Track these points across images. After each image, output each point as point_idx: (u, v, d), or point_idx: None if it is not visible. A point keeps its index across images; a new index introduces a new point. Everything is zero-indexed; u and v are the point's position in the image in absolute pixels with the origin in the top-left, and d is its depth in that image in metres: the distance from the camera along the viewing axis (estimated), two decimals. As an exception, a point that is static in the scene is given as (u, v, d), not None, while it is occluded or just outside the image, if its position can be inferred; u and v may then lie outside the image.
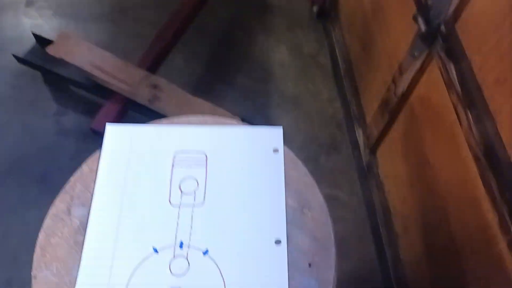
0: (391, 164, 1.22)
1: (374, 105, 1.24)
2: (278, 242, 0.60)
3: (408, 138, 1.11)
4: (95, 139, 1.33)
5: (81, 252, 0.59)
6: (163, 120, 0.70)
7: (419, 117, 1.02)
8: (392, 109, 1.12)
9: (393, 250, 1.16)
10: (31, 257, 0.58)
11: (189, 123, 0.70)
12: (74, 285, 0.57)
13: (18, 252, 1.13)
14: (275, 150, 0.67)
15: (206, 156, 0.67)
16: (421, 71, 0.95)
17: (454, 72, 0.78)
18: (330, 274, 0.57)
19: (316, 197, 0.62)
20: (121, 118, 1.24)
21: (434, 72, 0.88)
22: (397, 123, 1.16)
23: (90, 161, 0.66)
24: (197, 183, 0.64)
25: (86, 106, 1.40)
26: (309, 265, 0.58)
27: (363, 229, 1.21)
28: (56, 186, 0.63)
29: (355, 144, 1.39)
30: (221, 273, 0.58)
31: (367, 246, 1.19)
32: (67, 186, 0.64)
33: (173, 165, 0.66)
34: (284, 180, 0.64)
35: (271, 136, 0.68)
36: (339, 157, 1.36)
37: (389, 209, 1.21)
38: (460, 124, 0.79)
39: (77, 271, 0.58)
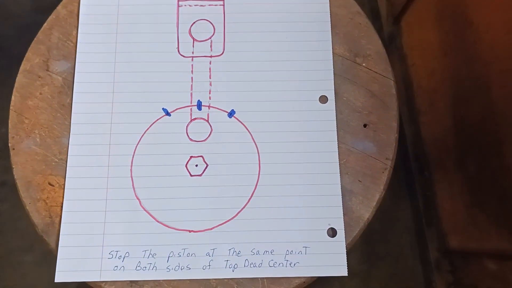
0: (419, 33, 1.07)
1: (404, -39, 1.04)
2: (323, 98, 0.47)
3: (445, -2, 0.94)
4: None
5: (70, 117, 0.46)
6: None
7: (466, -34, 0.84)
8: (431, -40, 0.93)
9: (414, 128, 1.07)
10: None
11: None
12: (66, 156, 0.45)
13: (6, 140, 1.02)
14: (317, -19, 0.50)
15: (224, -9, 0.50)
16: None
17: None
18: (390, 136, 0.45)
19: (372, 42, 0.48)
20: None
21: None
22: (432, -18, 0.98)
23: (68, 2, 0.50)
24: (213, 27, 0.49)
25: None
26: (364, 125, 0.46)
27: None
28: None
29: (376, 14, 1.22)
30: (253, 138, 0.46)
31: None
32: (41, 35, 0.49)
33: (178, 5, 0.50)
34: (330, 21, 0.49)
35: (309, -37, 0.50)
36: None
37: (412, 84, 1.09)
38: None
39: (68, 139, 0.45)
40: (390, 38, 1.16)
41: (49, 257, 0.44)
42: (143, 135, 0.45)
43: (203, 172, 0.45)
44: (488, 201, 0.77)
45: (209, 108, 0.46)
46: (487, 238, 0.76)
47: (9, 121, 0.46)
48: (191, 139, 0.46)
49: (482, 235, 0.78)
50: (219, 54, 0.48)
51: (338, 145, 0.45)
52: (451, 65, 0.92)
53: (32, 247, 0.96)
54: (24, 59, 0.48)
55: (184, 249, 0.42)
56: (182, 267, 0.42)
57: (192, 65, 0.47)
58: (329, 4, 0.49)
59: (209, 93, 0.47)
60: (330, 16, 0.49)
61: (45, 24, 0.49)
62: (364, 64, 0.47)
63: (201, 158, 0.45)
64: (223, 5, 0.49)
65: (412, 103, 1.08)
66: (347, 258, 0.42)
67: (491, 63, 0.77)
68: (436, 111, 0.99)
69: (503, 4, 0.71)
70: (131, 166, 0.45)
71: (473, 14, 0.82)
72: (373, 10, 1.22)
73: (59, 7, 0.49)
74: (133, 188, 0.44)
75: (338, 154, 0.45)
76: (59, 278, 0.42)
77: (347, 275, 0.42)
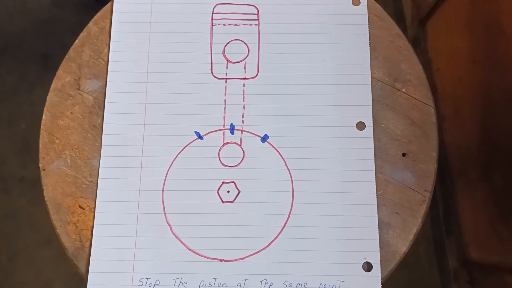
0: (446, 37, 1.04)
1: (432, -36, 1.01)
2: (360, 125, 0.45)
3: (477, 4, 0.91)
4: (98, 9, 1.14)
5: (101, 138, 0.45)
6: (195, -41, 0.50)
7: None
8: (462, -36, 0.90)
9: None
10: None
11: (231, -36, 0.50)
12: (97, 179, 0.44)
13: (28, 136, 1.03)
14: (356, 1, 0.48)
15: (258, 10, 0.48)
16: None
17: None
18: (430, 167, 0.44)
19: (413, 67, 0.46)
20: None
21: None
22: (462, -14, 0.95)
23: (99, 18, 0.49)
24: (248, 47, 0.47)
25: (82, -31, 1.18)
26: (403, 155, 0.44)
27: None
28: (58, 63, 0.48)
29: (400, 15, 1.19)
30: (286, 165, 0.44)
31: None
32: (72, 52, 0.48)
33: (212, 24, 0.48)
34: (369, 44, 0.47)
35: (348, -18, 0.48)
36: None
37: (437, 89, 1.07)
38: None
39: (99, 161, 0.45)
40: (414, 41, 1.13)
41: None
42: (175, 159, 0.45)
43: (235, 199, 0.44)
44: (515, 216, 0.75)
45: (242, 132, 0.45)
46: (511, 253, 0.75)
47: (40, 141, 0.45)
48: (223, 164, 0.45)
49: (506, 249, 0.76)
50: (253, 76, 0.47)
51: (375, 175, 0.44)
52: (481, 73, 0.89)
53: (49, 243, 0.97)
54: (55, 77, 0.47)
55: (215, 278, 0.42)
56: (213, 297, 0.41)
57: (225, 87, 0.46)
58: (368, 25, 0.47)
59: (242, 117, 0.46)
60: (369, 38, 0.47)
61: (76, 41, 0.48)
62: (403, 90, 0.46)
63: (233, 184, 0.44)
64: (258, 25, 0.48)
65: (436, 109, 1.05)
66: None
67: (524, 75, 0.74)
68: (461, 118, 0.96)
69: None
70: (163, 190, 0.44)
71: (506, 22, 0.79)
72: (397, 12, 1.19)
73: (90, 24, 0.48)
74: (164, 213, 0.43)
75: (376, 184, 0.44)
76: (89, 304, 0.41)
77: (381, 310, 0.41)
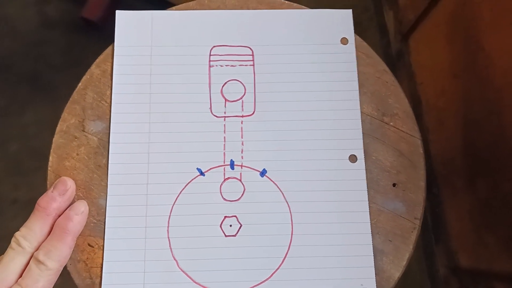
0: (428, 52, 1.07)
1: (412, -17, 1.05)
2: (353, 157, 0.48)
3: (456, 21, 0.95)
4: (88, 31, 1.15)
5: (107, 178, 0.47)
6: (191, 3, 0.52)
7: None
8: (439, -16, 0.94)
9: (423, 144, 1.08)
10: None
11: (226, 7, 0.52)
12: (104, 218, 0.46)
13: (20, 157, 1.03)
14: (344, 41, 0.51)
15: (253, 51, 0.51)
16: None
17: None
18: (419, 196, 0.47)
19: (399, 101, 0.49)
20: (117, 5, 1.04)
21: None
22: (442, 4, 0.99)
23: (101, 61, 0.51)
24: (244, 87, 0.50)
25: (71, -8, 1.19)
26: (394, 185, 0.47)
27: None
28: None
29: (383, 30, 1.22)
30: (284, 198, 0.47)
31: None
32: (76, 95, 0.50)
33: (210, 65, 0.51)
34: (358, 80, 0.50)
35: (336, 22, 0.51)
36: (364, 46, 1.21)
37: (421, 101, 1.10)
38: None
39: (106, 200, 0.47)
40: (398, 55, 1.17)
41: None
42: (178, 195, 0.47)
43: (237, 232, 0.46)
44: (499, 224, 0.78)
45: (241, 168, 0.48)
46: (497, 260, 0.78)
47: (47, 182, 0.47)
48: (225, 199, 0.47)
49: (492, 257, 0.79)
50: (250, 114, 0.49)
51: (369, 205, 0.47)
52: (462, 87, 0.93)
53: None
54: (61, 119, 0.49)
55: None
56: (220, 327, 0.44)
57: (224, 125, 0.49)
58: (356, 63, 0.50)
59: (241, 152, 0.48)
60: (358, 75, 0.50)
61: (79, 84, 0.50)
62: (391, 123, 0.49)
63: (235, 218, 0.47)
64: (253, 65, 0.50)
65: (420, 120, 1.09)
66: None
67: (503, 89, 0.78)
68: (445, 130, 1.00)
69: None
70: (168, 226, 0.46)
71: (485, 39, 0.83)
72: (381, 27, 1.23)
73: (92, 67, 0.50)
74: (170, 249, 0.46)
75: (369, 213, 0.46)
76: None
77: (378, 333, 0.44)
